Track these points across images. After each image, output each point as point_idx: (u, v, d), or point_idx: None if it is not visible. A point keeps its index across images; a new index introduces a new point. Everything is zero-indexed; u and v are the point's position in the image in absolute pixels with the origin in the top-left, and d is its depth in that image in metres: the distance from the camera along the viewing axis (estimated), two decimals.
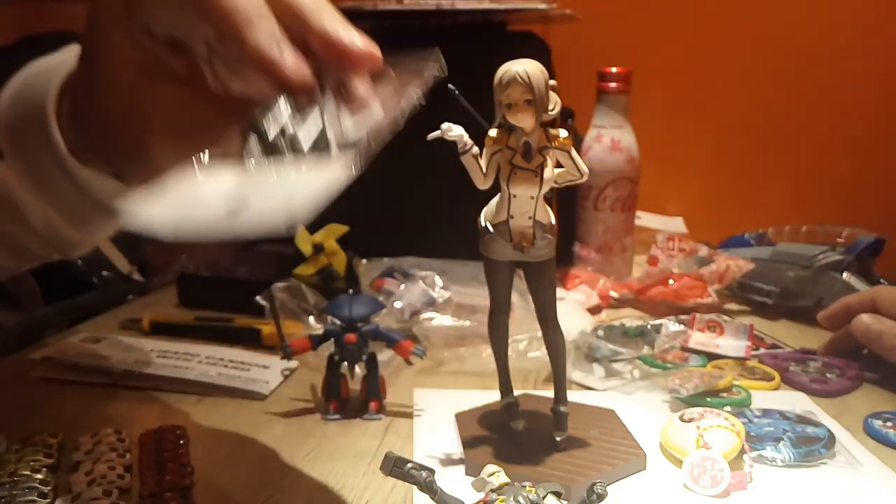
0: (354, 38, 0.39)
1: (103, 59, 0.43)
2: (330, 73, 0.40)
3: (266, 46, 0.38)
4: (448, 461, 0.53)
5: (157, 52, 0.43)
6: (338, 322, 0.61)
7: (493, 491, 0.40)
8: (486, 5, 0.95)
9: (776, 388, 0.67)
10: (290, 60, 0.38)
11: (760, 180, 1.30)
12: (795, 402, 0.63)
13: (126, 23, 0.41)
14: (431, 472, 0.41)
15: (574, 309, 0.84)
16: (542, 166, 0.48)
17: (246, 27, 0.38)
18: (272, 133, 0.38)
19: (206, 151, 0.38)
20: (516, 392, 0.55)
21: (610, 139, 0.96)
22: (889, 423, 0.58)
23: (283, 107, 0.38)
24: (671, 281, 0.89)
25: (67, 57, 0.50)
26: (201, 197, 0.36)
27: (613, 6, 1.26)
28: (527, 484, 0.40)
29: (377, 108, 0.40)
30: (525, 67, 0.45)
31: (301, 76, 0.38)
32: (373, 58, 0.40)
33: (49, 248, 0.56)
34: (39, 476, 0.48)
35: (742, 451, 0.52)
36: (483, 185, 0.49)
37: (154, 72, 0.43)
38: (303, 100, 0.39)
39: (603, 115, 0.97)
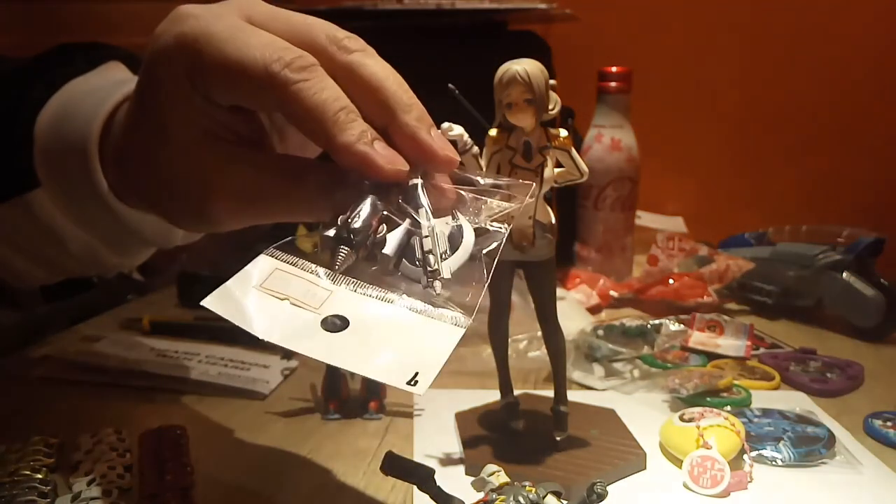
0: (438, 140, 0.38)
1: (162, 117, 0.40)
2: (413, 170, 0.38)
3: (355, 143, 0.36)
4: (448, 461, 0.53)
5: (221, 115, 0.40)
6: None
7: (493, 491, 0.40)
8: (486, 5, 0.95)
9: (776, 388, 0.67)
10: (383, 153, 0.36)
11: (761, 180, 1.29)
12: (795, 401, 0.63)
13: (189, 91, 0.39)
14: (431, 472, 0.41)
15: (574, 309, 0.84)
16: (542, 166, 0.48)
17: (332, 126, 0.36)
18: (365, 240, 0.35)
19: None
20: (516, 392, 0.55)
21: (610, 139, 0.96)
22: (889, 423, 0.58)
23: (368, 207, 0.36)
24: (671, 281, 0.89)
25: (109, 82, 0.48)
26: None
27: (613, 6, 1.26)
28: (527, 484, 0.40)
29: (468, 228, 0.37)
30: (525, 67, 0.45)
31: (395, 166, 0.36)
32: (452, 162, 0.38)
33: (88, 269, 0.56)
34: (39, 476, 0.48)
35: (742, 451, 0.52)
36: None
37: (218, 133, 0.41)
38: (394, 199, 0.36)
39: (603, 114, 0.97)
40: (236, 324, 0.34)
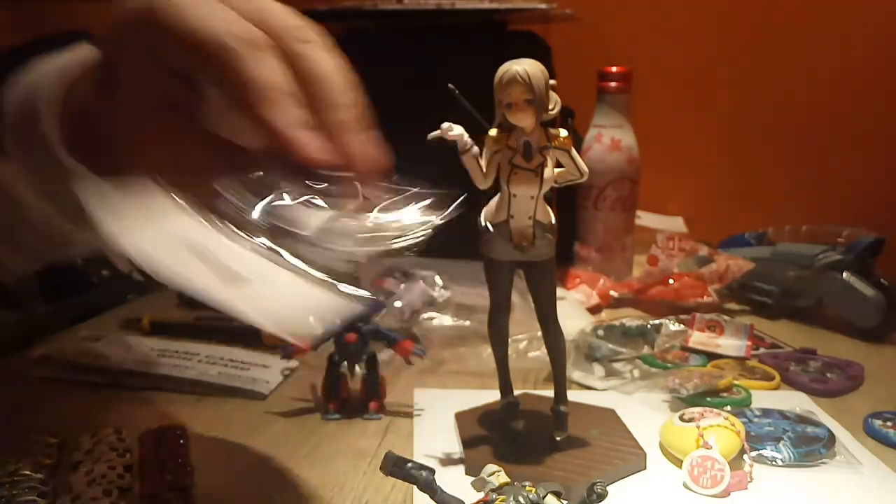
0: (362, 145, 0.38)
1: (115, 73, 0.42)
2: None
3: (288, 125, 0.37)
4: (448, 461, 0.53)
5: (167, 82, 0.42)
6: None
7: (493, 491, 0.40)
8: (486, 5, 0.95)
9: (776, 388, 0.67)
10: (309, 139, 0.37)
11: (761, 180, 1.30)
12: (795, 401, 0.63)
13: (145, 52, 0.40)
14: (431, 471, 0.41)
15: (574, 309, 0.84)
16: (542, 166, 0.48)
17: (269, 104, 0.37)
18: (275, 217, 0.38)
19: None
20: (516, 392, 0.55)
21: (610, 139, 0.96)
22: (889, 423, 0.58)
23: (290, 193, 0.38)
24: (671, 281, 0.89)
25: (77, 57, 0.50)
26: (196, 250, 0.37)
27: (613, 6, 1.25)
28: (527, 484, 0.40)
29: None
30: (525, 67, 0.45)
31: (319, 153, 0.37)
32: (371, 169, 0.38)
33: (57, 247, 0.56)
34: (39, 476, 0.48)
35: (742, 451, 0.52)
36: (483, 184, 0.48)
37: (159, 100, 0.42)
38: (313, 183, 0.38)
39: (603, 114, 0.97)
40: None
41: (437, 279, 0.81)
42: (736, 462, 0.51)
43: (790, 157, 1.28)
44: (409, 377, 0.68)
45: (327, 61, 0.39)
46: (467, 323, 0.74)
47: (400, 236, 0.40)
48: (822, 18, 1.23)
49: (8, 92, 0.49)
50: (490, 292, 0.52)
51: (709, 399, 0.62)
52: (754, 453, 0.52)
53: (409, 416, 0.60)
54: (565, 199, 0.98)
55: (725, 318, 0.76)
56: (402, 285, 0.80)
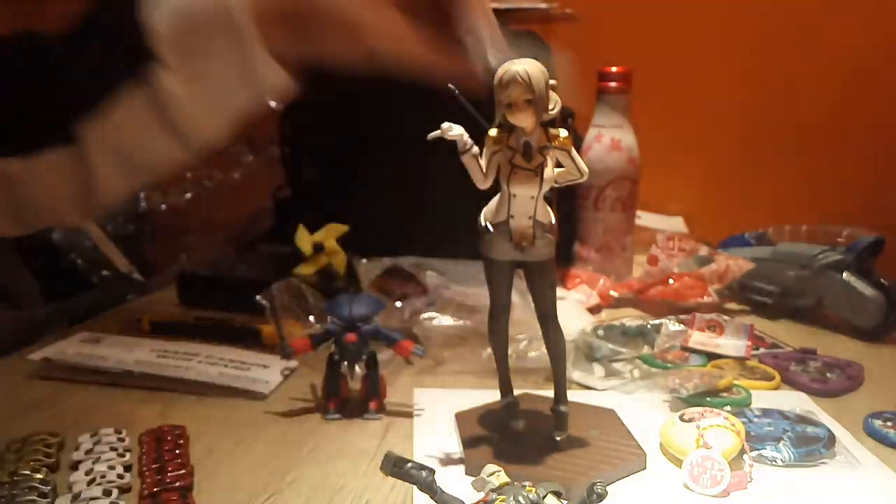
0: None
1: None
2: None
3: None
4: (448, 461, 0.53)
5: None
6: (338, 322, 0.61)
7: (493, 491, 0.40)
8: None
9: (776, 388, 0.67)
10: None
11: (760, 180, 1.29)
12: (795, 401, 0.63)
13: None
14: (431, 471, 0.41)
15: (574, 309, 0.84)
16: (542, 166, 0.48)
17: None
18: None
19: None
20: (516, 392, 0.55)
21: (610, 139, 0.96)
22: (889, 423, 0.58)
23: None
24: (671, 281, 0.89)
25: None
26: None
27: (613, 6, 1.25)
28: (527, 484, 0.40)
29: None
30: (525, 67, 0.45)
31: None
32: None
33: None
34: (39, 476, 0.48)
35: (742, 451, 0.52)
36: (483, 184, 0.48)
37: None
38: None
39: (603, 114, 0.97)
40: None
41: (438, 279, 0.81)
42: (736, 462, 0.51)
43: (790, 157, 1.28)
44: (409, 377, 0.68)
45: None
46: (467, 323, 0.74)
47: None
48: (822, 18, 1.23)
49: (155, 12, 0.50)
50: (490, 292, 0.52)
51: (709, 399, 0.62)
52: (754, 453, 0.52)
53: (409, 416, 0.60)
54: (565, 199, 0.98)
55: (725, 318, 0.76)
56: (402, 285, 0.80)
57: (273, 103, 0.56)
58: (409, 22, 0.53)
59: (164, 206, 1.17)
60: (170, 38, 0.50)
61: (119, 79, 0.49)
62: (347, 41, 0.52)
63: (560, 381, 0.53)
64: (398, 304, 0.77)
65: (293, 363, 0.68)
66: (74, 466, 0.50)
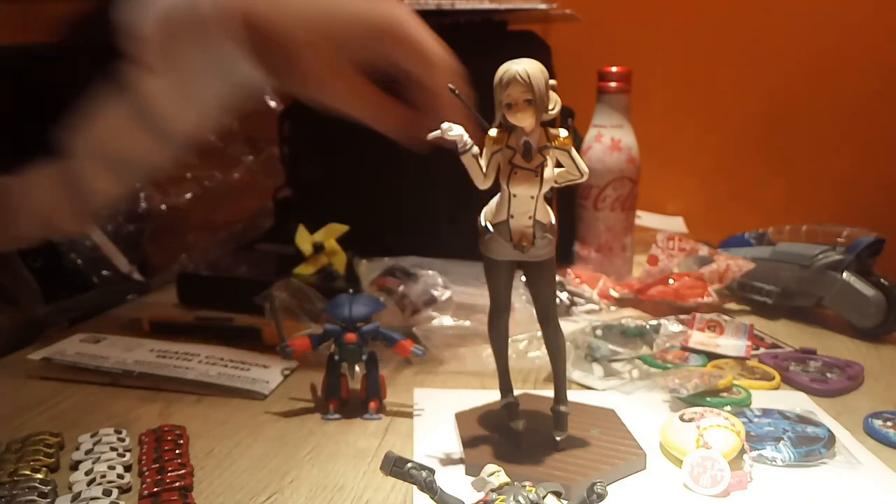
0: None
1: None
2: None
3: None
4: (448, 461, 0.53)
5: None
6: (338, 322, 0.61)
7: (493, 491, 0.40)
8: (486, 5, 0.95)
9: (776, 388, 0.67)
10: None
11: (760, 180, 1.30)
12: (795, 401, 0.63)
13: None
14: (431, 471, 0.41)
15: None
16: (542, 166, 0.48)
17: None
18: None
19: None
20: (516, 392, 0.55)
21: (610, 139, 0.96)
22: (889, 423, 0.58)
23: None
24: (671, 280, 0.89)
25: None
26: None
27: (613, 6, 1.25)
28: (527, 484, 0.40)
29: None
30: (525, 67, 0.45)
31: None
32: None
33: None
34: (39, 476, 0.48)
35: (742, 451, 0.52)
36: (483, 184, 0.48)
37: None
38: None
39: (603, 114, 0.97)
40: None
41: (438, 279, 0.81)
42: (736, 462, 0.51)
43: (790, 157, 1.28)
44: (409, 377, 0.68)
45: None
46: (467, 323, 0.74)
47: None
48: (822, 18, 1.23)
49: (138, 16, 0.50)
50: (490, 292, 0.52)
51: (709, 399, 0.62)
52: (754, 453, 0.52)
53: (409, 416, 0.60)
54: (565, 199, 0.98)
55: (725, 318, 0.76)
56: (402, 286, 0.80)
57: (273, 102, 0.56)
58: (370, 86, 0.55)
59: (164, 206, 1.17)
60: (154, 42, 0.50)
61: (101, 86, 0.50)
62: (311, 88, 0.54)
63: (560, 381, 0.53)
64: (398, 304, 0.77)
65: (293, 363, 0.68)
66: (74, 466, 0.50)
